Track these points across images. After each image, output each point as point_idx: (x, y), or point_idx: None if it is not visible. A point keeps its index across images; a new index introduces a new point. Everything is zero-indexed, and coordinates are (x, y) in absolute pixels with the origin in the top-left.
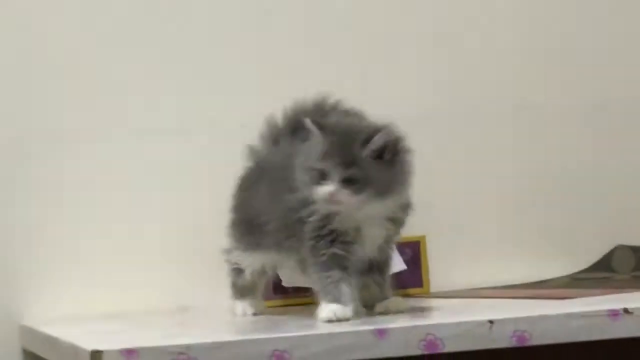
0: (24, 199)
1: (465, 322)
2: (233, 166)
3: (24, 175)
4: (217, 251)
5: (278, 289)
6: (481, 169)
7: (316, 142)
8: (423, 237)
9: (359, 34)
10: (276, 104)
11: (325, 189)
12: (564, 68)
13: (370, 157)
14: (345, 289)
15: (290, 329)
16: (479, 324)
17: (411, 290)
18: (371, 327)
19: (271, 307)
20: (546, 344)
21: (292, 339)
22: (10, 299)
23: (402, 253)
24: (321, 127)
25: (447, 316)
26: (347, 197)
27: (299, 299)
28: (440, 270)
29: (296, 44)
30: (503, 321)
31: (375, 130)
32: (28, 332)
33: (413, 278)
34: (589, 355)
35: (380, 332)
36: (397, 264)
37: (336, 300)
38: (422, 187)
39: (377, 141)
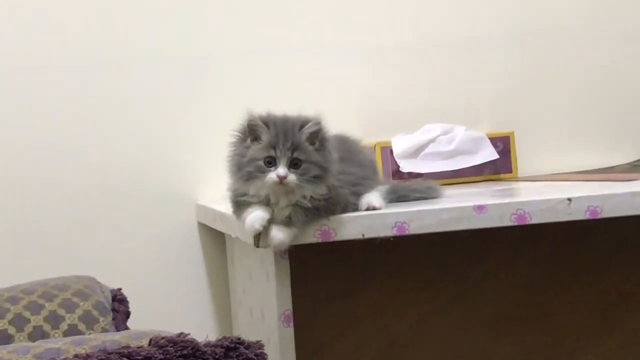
0: (208, 100)
1: (549, 200)
2: None
3: (208, 87)
4: None
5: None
6: (557, 78)
7: (262, 135)
8: (512, 133)
9: None
10: None
11: (275, 173)
12: None
13: (307, 142)
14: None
15: (408, 206)
16: (560, 201)
17: (503, 176)
18: (472, 204)
19: None
20: (614, 216)
21: (410, 213)
22: (189, 184)
23: (495, 146)
24: (265, 122)
25: (533, 195)
26: (292, 179)
27: None
28: (527, 160)
29: None
30: (579, 198)
31: (307, 119)
32: (202, 210)
33: (504, 165)
34: None
35: (480, 208)
36: (491, 154)
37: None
38: (512, 94)
39: (311, 126)
